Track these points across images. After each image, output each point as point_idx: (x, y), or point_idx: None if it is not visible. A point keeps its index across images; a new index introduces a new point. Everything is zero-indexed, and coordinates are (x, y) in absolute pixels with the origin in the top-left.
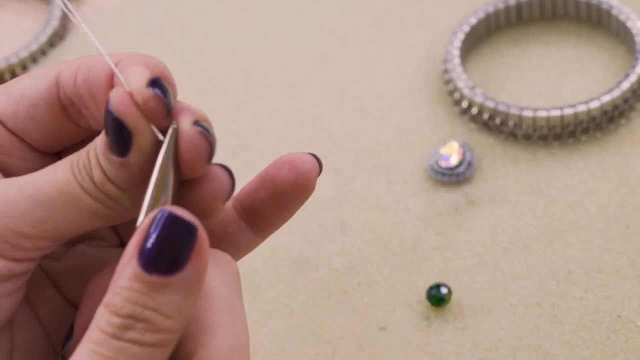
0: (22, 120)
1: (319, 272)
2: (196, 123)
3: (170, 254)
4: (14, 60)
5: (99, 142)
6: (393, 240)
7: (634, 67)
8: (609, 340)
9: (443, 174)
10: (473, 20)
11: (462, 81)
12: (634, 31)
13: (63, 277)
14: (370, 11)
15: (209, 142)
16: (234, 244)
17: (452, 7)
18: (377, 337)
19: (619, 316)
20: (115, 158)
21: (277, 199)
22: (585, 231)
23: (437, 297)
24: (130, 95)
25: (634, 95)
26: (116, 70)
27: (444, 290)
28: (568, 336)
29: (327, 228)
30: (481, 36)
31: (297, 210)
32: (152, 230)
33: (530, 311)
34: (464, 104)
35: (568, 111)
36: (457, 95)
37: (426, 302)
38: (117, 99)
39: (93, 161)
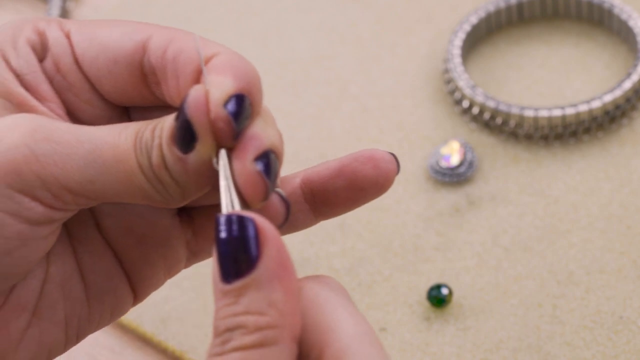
0: (99, 70)
1: (319, 273)
2: (259, 158)
3: (237, 255)
4: None
5: (167, 126)
6: (393, 240)
7: (635, 66)
8: (611, 341)
9: (444, 174)
10: (474, 19)
11: (463, 80)
12: (635, 30)
13: (108, 219)
14: (371, 9)
15: (265, 183)
16: (292, 222)
17: (453, 6)
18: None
19: (621, 317)
20: (176, 151)
21: (354, 191)
22: (586, 231)
23: (437, 298)
24: (207, 102)
25: (636, 95)
26: (204, 69)
27: (444, 291)
28: (569, 337)
29: (327, 228)
30: (482, 35)
31: (365, 204)
32: (217, 243)
33: (532, 312)
34: (465, 104)
35: (569, 111)
36: (458, 95)
37: (427, 303)
38: (193, 100)
39: (156, 142)
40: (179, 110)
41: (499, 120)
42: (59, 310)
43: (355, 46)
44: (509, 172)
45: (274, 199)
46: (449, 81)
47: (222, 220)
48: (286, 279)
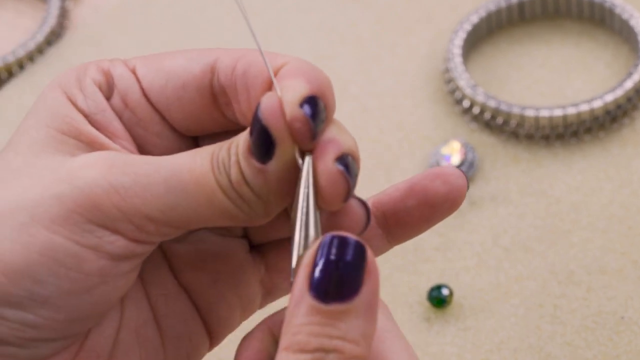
0: (167, 98)
1: None
2: (339, 159)
3: (344, 278)
4: (11, 59)
5: (242, 141)
6: None
7: (636, 65)
8: (612, 342)
9: None
10: (474, 19)
11: (463, 80)
12: (636, 30)
13: (180, 259)
14: (371, 9)
15: (347, 182)
16: None
17: (453, 5)
18: None
19: (622, 317)
20: (255, 162)
21: (426, 209)
22: (587, 232)
23: (438, 299)
24: (282, 105)
25: (638, 95)
26: (274, 78)
27: (445, 292)
28: (570, 337)
29: None
30: (483, 35)
31: (438, 223)
32: (319, 259)
33: (532, 312)
34: (466, 104)
35: (571, 110)
36: (458, 95)
37: (427, 303)
38: (267, 105)
39: (233, 159)
40: (253, 119)
41: (499, 120)
42: (133, 357)
43: (355, 46)
44: (510, 172)
45: (354, 203)
46: (449, 81)
47: (331, 239)
48: (376, 313)
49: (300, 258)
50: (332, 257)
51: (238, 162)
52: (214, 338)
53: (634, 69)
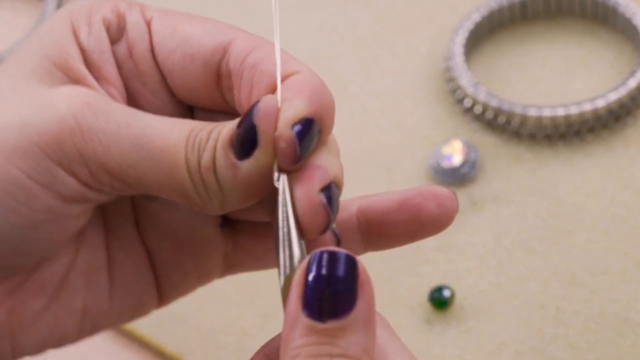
0: (174, 64)
1: None
2: (323, 190)
3: (337, 294)
4: (7, 57)
5: (226, 130)
6: None
7: None
8: (615, 344)
9: (446, 175)
10: (476, 18)
11: (465, 79)
12: None
13: (148, 218)
14: (371, 9)
15: (328, 215)
16: None
17: (454, 4)
18: None
19: (625, 319)
20: (231, 155)
21: (414, 227)
22: (590, 232)
23: (439, 300)
24: (277, 113)
25: None
26: (279, 85)
27: (446, 293)
28: (573, 339)
29: None
30: (484, 33)
31: (418, 240)
32: (309, 276)
33: (534, 314)
34: (467, 103)
35: (573, 110)
36: (459, 94)
37: (427, 305)
38: (264, 107)
39: (210, 143)
40: (245, 114)
41: (501, 120)
42: (78, 300)
43: (355, 46)
44: (512, 172)
45: (328, 234)
46: (450, 80)
47: (319, 255)
48: (374, 325)
49: (287, 278)
50: (323, 273)
51: (214, 148)
52: (163, 299)
53: (637, 68)
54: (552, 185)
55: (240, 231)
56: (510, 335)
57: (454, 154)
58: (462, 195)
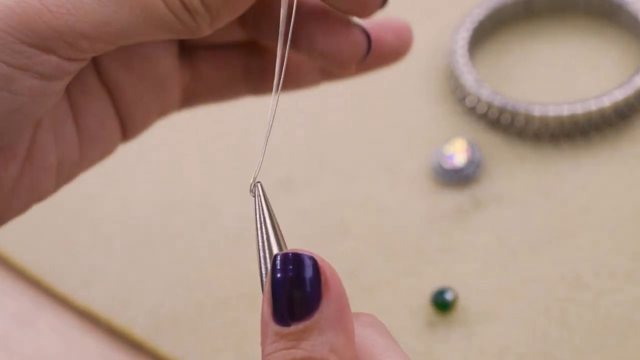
0: None
1: None
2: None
3: (300, 296)
4: None
5: None
6: (396, 243)
7: None
8: (621, 347)
9: (448, 175)
10: (480, 14)
11: (468, 78)
12: None
13: (107, 57)
14: None
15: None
16: (298, 81)
17: (457, 0)
18: None
19: (631, 322)
20: None
21: (372, 58)
22: (595, 233)
23: (442, 303)
24: None
25: None
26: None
27: (449, 296)
28: (578, 342)
29: (328, 230)
30: (488, 31)
31: (373, 71)
32: (275, 283)
33: (539, 316)
34: (471, 101)
35: (578, 108)
36: (463, 92)
37: (430, 308)
38: None
39: None
40: None
41: (505, 118)
42: (50, 156)
43: None
44: (516, 172)
45: (357, 29)
46: (454, 78)
47: (280, 258)
48: (347, 323)
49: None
50: (278, 276)
51: None
52: (127, 135)
53: None
54: (557, 186)
55: (198, 61)
56: (514, 338)
57: (457, 154)
58: (466, 196)
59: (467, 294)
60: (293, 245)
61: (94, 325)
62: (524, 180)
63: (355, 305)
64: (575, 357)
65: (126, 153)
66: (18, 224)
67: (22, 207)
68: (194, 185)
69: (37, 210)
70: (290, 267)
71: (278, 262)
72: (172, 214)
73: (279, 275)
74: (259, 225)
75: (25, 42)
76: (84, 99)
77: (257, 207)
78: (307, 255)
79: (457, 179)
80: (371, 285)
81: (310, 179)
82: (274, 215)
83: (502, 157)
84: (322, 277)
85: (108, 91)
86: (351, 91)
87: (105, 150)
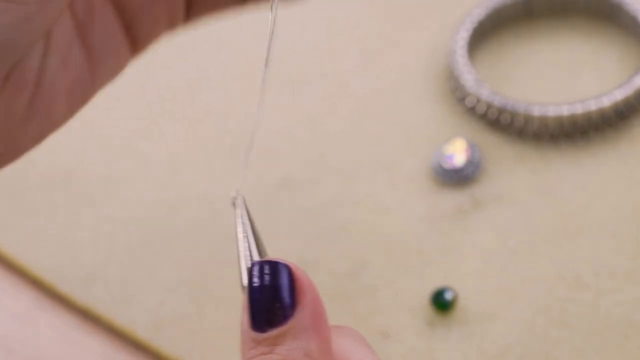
0: None
1: (319, 277)
2: None
3: (275, 303)
4: None
5: None
6: (396, 243)
7: None
8: (621, 347)
9: (448, 175)
10: (480, 14)
11: (468, 77)
12: None
13: None
14: (372, 4)
15: None
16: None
17: (457, 0)
18: (379, 344)
19: (632, 322)
20: None
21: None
22: (596, 233)
23: (442, 303)
24: None
25: None
26: None
27: (449, 296)
28: (578, 343)
29: (327, 231)
30: (487, 31)
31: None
32: (252, 291)
33: (539, 317)
34: (470, 101)
35: (578, 108)
36: (462, 92)
37: (430, 308)
38: None
39: None
40: None
41: (505, 118)
42: (61, 80)
43: (355, 41)
44: (516, 172)
45: None
46: (453, 78)
47: (256, 267)
48: (321, 329)
49: None
50: (254, 284)
51: None
52: (136, 49)
53: None
54: (557, 186)
55: None
56: (514, 338)
57: (457, 154)
58: (465, 196)
59: (467, 294)
60: (293, 245)
61: (94, 325)
62: (524, 180)
63: (355, 305)
64: (575, 357)
65: (126, 153)
66: (18, 224)
67: (38, 136)
68: (195, 185)
69: (37, 210)
70: (266, 274)
71: (255, 270)
72: (173, 214)
73: (255, 283)
74: (241, 235)
75: None
76: (89, 16)
77: (240, 217)
78: (282, 263)
79: (456, 179)
80: (371, 285)
81: (310, 179)
82: (255, 225)
83: (502, 157)
84: (297, 284)
85: (113, 4)
86: (351, 91)
87: (116, 67)
